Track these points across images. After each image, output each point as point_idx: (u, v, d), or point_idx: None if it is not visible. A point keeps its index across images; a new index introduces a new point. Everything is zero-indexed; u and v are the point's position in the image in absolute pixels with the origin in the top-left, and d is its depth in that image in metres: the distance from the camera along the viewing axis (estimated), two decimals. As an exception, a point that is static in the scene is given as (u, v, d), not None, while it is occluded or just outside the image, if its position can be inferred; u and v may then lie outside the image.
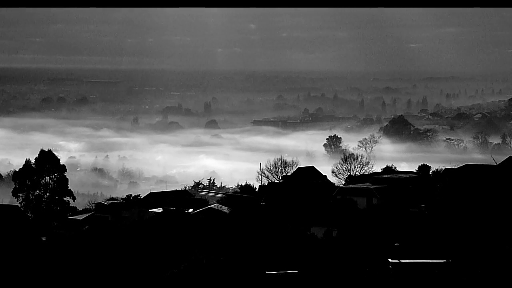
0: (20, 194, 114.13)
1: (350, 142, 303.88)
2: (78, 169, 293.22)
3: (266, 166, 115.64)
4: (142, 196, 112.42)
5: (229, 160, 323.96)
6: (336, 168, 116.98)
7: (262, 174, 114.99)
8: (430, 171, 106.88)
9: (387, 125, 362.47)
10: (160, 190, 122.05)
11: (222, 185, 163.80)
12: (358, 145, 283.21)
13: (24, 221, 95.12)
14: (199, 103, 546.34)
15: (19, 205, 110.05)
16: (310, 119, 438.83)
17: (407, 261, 61.78)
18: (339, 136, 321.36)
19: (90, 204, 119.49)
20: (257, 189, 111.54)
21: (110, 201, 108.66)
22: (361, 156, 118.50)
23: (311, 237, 77.94)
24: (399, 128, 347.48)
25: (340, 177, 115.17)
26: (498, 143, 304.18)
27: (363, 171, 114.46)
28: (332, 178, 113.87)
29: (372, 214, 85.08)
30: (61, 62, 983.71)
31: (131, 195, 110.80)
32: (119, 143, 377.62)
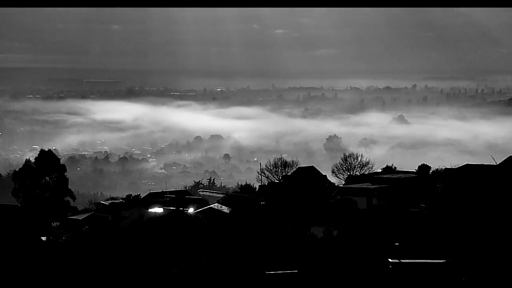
0: (20, 194, 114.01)
1: (350, 142, 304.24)
2: (78, 168, 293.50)
3: (266, 166, 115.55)
4: (142, 196, 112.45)
5: (229, 160, 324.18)
6: (336, 168, 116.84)
7: (262, 174, 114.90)
8: (430, 171, 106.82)
9: (387, 125, 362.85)
10: (160, 190, 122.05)
11: (222, 185, 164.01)
12: (358, 145, 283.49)
13: (24, 221, 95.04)
14: (199, 103, 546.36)
15: (19, 205, 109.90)
16: (310, 118, 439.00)
17: (407, 261, 61.80)
18: (339, 136, 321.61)
19: (90, 204, 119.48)
20: (257, 189, 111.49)
21: (110, 201, 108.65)
22: (361, 156, 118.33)
23: (311, 237, 77.94)
24: (399, 127, 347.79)
25: (340, 177, 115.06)
26: (498, 143, 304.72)
27: (363, 171, 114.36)
28: (332, 178, 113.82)
29: (372, 214, 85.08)
30: (61, 62, 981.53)
31: (131, 195, 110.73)
32: (119, 143, 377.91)
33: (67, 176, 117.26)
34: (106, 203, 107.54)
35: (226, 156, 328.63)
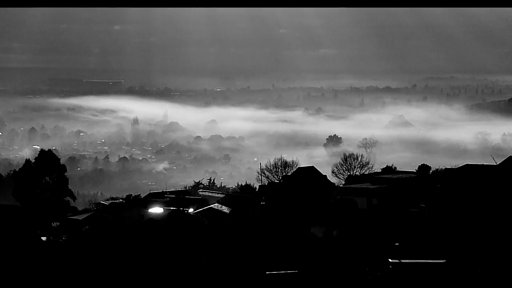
0: (20, 194, 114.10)
1: (350, 142, 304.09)
2: (78, 168, 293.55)
3: (266, 166, 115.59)
4: (142, 196, 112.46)
5: (230, 160, 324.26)
6: (336, 168, 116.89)
7: (262, 174, 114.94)
8: (430, 171, 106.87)
9: (387, 125, 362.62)
10: (160, 190, 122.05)
11: (222, 185, 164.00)
12: (358, 145, 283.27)
13: (24, 221, 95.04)
14: (199, 103, 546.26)
15: (19, 205, 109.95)
16: (310, 118, 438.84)
17: (407, 261, 61.83)
18: (339, 136, 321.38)
19: (90, 204, 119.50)
20: (257, 189, 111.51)
21: (110, 201, 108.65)
22: (361, 156, 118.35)
23: (311, 237, 77.96)
24: (399, 128, 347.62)
25: (340, 177, 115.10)
26: (498, 143, 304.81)
27: (363, 171, 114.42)
28: (332, 178, 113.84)
29: (372, 214, 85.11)
30: (61, 62, 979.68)
31: (131, 195, 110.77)
32: (119, 143, 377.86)
33: (67, 176, 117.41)
34: (106, 203, 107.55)
35: (226, 156, 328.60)
